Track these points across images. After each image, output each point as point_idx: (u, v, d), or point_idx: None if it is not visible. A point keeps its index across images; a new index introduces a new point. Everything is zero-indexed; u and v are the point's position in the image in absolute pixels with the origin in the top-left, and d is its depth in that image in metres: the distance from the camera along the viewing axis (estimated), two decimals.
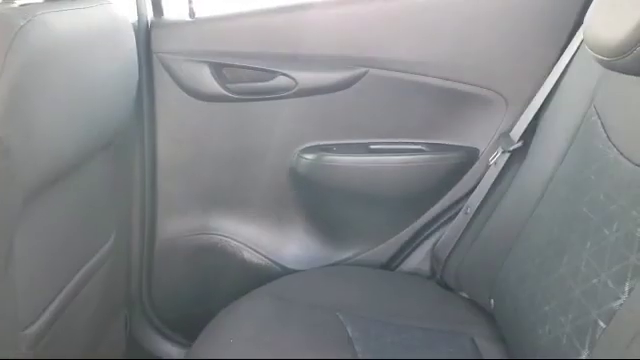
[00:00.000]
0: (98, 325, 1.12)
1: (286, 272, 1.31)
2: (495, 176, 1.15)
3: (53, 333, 0.88)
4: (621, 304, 0.70)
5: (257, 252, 1.33)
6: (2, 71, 0.66)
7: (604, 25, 0.78)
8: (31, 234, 0.78)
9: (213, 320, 1.09)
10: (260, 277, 1.27)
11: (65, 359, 0.96)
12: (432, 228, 1.29)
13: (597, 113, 0.93)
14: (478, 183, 1.19)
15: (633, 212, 0.75)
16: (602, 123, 0.91)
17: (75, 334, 1.00)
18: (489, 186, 1.16)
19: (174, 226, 1.31)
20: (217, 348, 1.00)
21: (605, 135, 0.88)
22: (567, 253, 0.87)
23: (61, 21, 0.77)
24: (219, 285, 1.30)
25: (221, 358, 0.96)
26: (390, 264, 1.32)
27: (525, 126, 1.12)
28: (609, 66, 0.77)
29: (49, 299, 0.87)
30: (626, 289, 0.70)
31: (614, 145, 0.85)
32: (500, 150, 1.15)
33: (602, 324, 0.72)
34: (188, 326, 1.20)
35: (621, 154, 0.83)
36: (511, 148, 1.12)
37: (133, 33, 1.05)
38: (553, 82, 1.09)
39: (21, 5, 0.76)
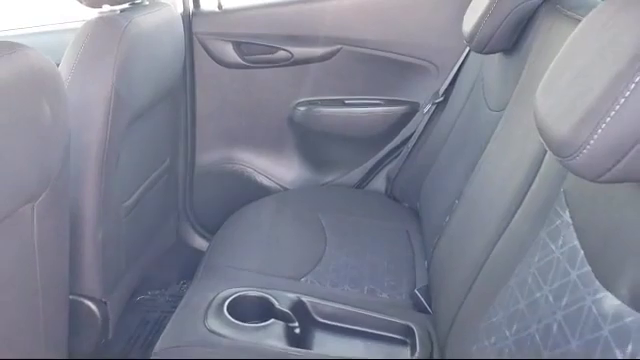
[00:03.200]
0: (159, 219, 1.67)
1: (285, 190, 1.85)
2: (426, 121, 1.66)
3: (135, 212, 1.43)
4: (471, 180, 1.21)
5: (265, 176, 1.86)
6: (116, 54, 1.19)
7: (467, 18, 1.28)
8: (128, 146, 1.31)
9: (232, 216, 1.62)
10: (267, 193, 1.80)
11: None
12: (388, 159, 1.81)
13: (482, 78, 1.43)
14: (418, 126, 1.70)
15: (481, 139, 1.24)
16: (483, 85, 1.41)
17: (147, 218, 1.54)
18: (422, 128, 1.67)
19: (207, 157, 1.84)
20: (235, 231, 1.54)
21: (482, 92, 1.38)
22: (454, 164, 1.38)
23: (145, 21, 1.29)
24: (239, 198, 1.80)
25: (237, 240, 1.49)
26: (360, 184, 1.85)
27: (446, 86, 1.62)
28: (470, 48, 1.27)
29: (134, 189, 1.42)
30: (471, 174, 1.21)
31: (485, 98, 1.35)
32: (431, 103, 1.65)
33: (457, 201, 1.24)
34: (217, 227, 1.73)
35: (486, 103, 1.33)
36: (436, 101, 1.63)
37: (182, 22, 1.58)
38: (464, 56, 1.59)
39: (121, 11, 1.28)
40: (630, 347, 0.57)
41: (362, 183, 1.84)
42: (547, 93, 0.69)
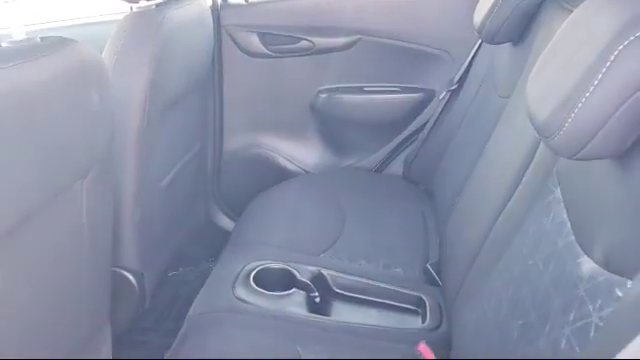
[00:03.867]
0: (190, 200, 1.79)
1: (307, 173, 1.95)
2: (442, 107, 1.74)
3: (169, 193, 1.55)
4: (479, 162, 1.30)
5: (288, 160, 1.97)
6: (153, 46, 1.29)
7: (478, 10, 1.36)
8: (162, 131, 1.43)
9: (257, 197, 1.73)
10: (290, 177, 1.90)
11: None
12: (406, 144, 1.89)
13: (494, 66, 1.51)
14: (433, 112, 1.79)
15: (490, 124, 1.32)
16: (494, 73, 1.48)
17: (179, 199, 1.66)
18: (438, 114, 1.75)
19: (234, 142, 1.95)
20: (260, 212, 1.65)
21: (493, 80, 1.46)
22: (465, 148, 1.47)
23: (178, 15, 1.40)
24: (263, 181, 1.91)
25: (262, 219, 1.60)
26: (378, 168, 1.94)
27: (460, 74, 1.70)
28: (480, 38, 1.35)
29: (168, 171, 1.54)
30: (480, 157, 1.29)
31: (495, 85, 1.43)
32: (446, 90, 1.73)
33: (466, 182, 1.33)
34: (243, 208, 1.83)
35: (496, 90, 1.40)
36: (450, 89, 1.71)
37: (211, 15, 1.68)
38: (478, 45, 1.66)
39: (157, 5, 1.39)
40: (599, 301, 0.66)
41: (380, 167, 1.94)
42: (536, 81, 0.78)
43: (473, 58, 1.67)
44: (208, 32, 1.68)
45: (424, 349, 1.10)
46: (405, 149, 1.90)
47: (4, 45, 0.85)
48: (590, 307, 0.68)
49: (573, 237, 0.78)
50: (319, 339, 1.15)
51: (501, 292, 0.93)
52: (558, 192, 0.86)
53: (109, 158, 1.05)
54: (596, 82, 0.62)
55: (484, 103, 1.48)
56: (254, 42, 1.83)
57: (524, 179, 0.99)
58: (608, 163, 0.71)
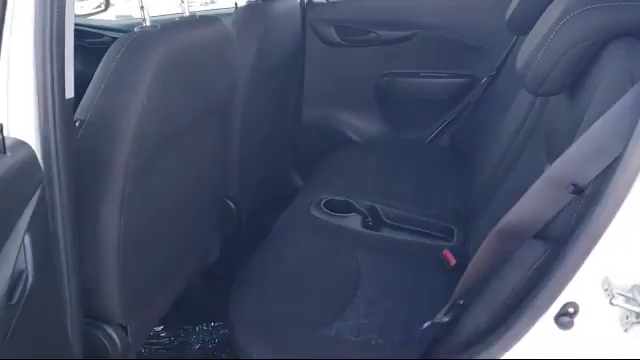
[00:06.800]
0: (271, 159, 2.23)
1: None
2: (483, 90, 2.12)
3: (259, 146, 2.00)
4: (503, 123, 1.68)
5: (353, 131, 2.39)
6: (259, 30, 1.75)
7: (510, 7, 1.73)
8: (258, 97, 1.88)
9: (324, 158, 2.16)
10: (354, 145, 2.32)
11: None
12: (452, 121, 2.27)
13: None
14: (476, 95, 2.16)
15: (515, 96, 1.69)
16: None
17: (264, 155, 2.10)
18: (480, 95, 2.13)
19: (310, 114, 2.39)
20: (327, 166, 2.07)
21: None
22: (499, 120, 1.84)
23: (278, 8, 1.86)
24: (332, 146, 2.31)
25: (330, 170, 2.03)
26: (432, 140, 2.33)
27: (499, 63, 2.07)
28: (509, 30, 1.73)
29: (260, 128, 1.98)
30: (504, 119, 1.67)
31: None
32: (486, 76, 2.11)
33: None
34: (312, 169, 2.25)
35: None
36: (490, 74, 2.08)
37: (299, 10, 2.14)
38: (515, 38, 2.03)
39: (263, 0, 1.85)
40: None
41: (434, 139, 2.32)
42: (524, 45, 1.17)
43: (511, 49, 2.03)
44: (296, 24, 2.13)
45: (447, 253, 1.49)
46: (451, 125, 2.28)
47: (177, 19, 1.32)
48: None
49: (545, 157, 1.16)
50: (371, 246, 1.56)
51: (500, 204, 1.32)
52: (542, 132, 1.24)
53: (231, 102, 1.51)
54: (548, 42, 1.01)
55: (515, 86, 1.84)
56: (332, 33, 2.28)
57: (525, 126, 1.37)
58: (565, 101, 1.09)
